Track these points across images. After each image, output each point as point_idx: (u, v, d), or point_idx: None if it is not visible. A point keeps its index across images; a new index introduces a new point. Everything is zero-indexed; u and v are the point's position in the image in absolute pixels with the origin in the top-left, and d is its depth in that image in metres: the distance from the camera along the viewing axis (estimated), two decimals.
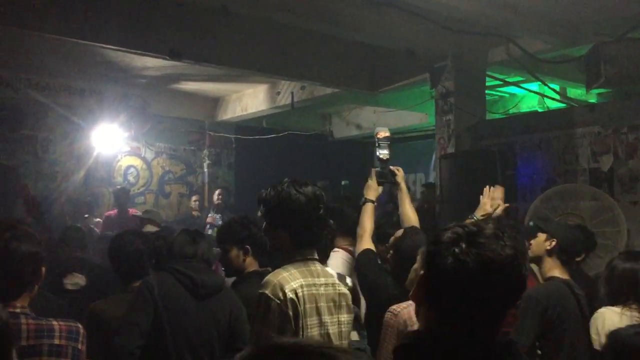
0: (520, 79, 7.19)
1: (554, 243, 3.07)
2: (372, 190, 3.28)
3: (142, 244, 3.27)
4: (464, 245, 1.33)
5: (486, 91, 6.96)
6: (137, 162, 9.82)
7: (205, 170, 10.53)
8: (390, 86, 7.49)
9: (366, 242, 3.09)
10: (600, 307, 3.32)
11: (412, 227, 3.22)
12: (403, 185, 3.40)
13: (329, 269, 2.49)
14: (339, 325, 2.35)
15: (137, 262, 3.20)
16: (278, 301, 2.13)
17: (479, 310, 1.36)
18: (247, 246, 3.21)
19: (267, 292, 2.15)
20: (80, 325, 2.05)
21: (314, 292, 2.25)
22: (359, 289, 3.08)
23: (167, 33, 5.78)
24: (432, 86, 6.55)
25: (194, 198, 9.44)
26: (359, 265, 3.12)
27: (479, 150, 6.21)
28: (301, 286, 2.20)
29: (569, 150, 5.63)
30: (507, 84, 7.33)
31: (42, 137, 8.63)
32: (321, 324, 2.26)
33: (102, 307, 3.09)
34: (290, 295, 2.15)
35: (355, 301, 3.11)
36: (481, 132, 6.37)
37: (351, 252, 3.59)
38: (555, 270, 3.05)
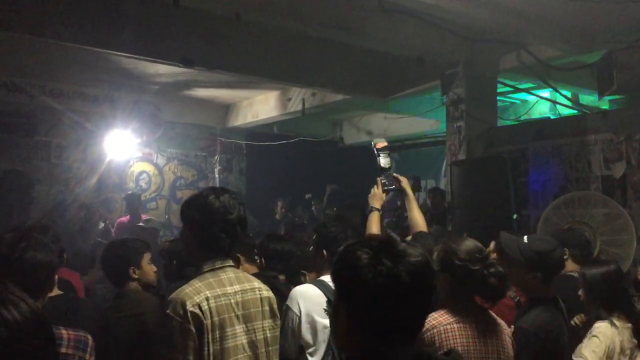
0: (532, 85, 7.16)
1: (539, 276, 2.77)
2: (378, 198, 3.35)
3: (126, 250, 3.29)
4: (388, 262, 1.32)
5: (497, 98, 6.94)
6: (149, 167, 9.89)
7: (217, 176, 10.57)
8: (401, 93, 7.49)
9: None
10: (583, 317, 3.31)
11: (421, 232, 3.25)
12: (409, 191, 3.43)
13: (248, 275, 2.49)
14: (263, 332, 2.33)
15: (123, 267, 3.22)
16: (179, 319, 2.12)
17: (412, 318, 1.37)
18: (237, 255, 3.21)
19: (168, 311, 2.15)
20: (89, 337, 2.07)
21: (224, 302, 2.22)
22: None
23: (180, 40, 5.83)
24: (443, 93, 6.55)
25: None
26: None
27: (490, 157, 6.18)
28: (206, 299, 2.17)
29: (581, 158, 5.59)
30: (518, 90, 7.31)
31: (55, 143, 8.72)
32: (238, 334, 2.24)
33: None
34: (192, 310, 2.13)
35: None
36: (492, 138, 6.35)
37: None
38: (539, 290, 2.79)
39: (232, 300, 2.25)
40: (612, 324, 3.08)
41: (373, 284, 1.31)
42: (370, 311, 1.34)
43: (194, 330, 2.12)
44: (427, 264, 1.37)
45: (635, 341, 3.11)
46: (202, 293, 2.19)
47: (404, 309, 1.33)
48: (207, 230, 2.29)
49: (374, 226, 3.23)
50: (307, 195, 8.80)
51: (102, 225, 7.87)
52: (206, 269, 2.29)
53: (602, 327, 3.08)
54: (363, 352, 1.36)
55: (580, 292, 3.29)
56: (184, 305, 2.13)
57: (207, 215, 2.28)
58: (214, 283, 2.25)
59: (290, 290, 3.10)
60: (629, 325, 3.12)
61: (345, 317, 1.38)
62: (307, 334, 2.92)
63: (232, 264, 2.38)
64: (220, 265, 2.31)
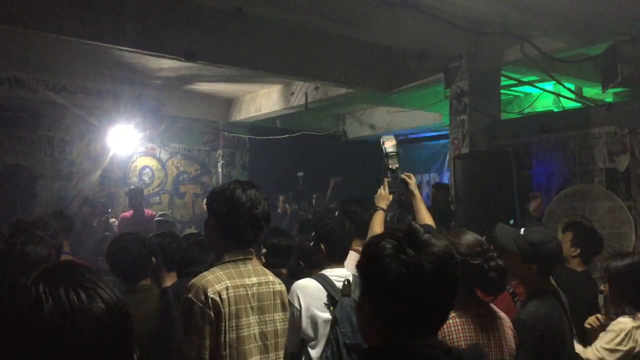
0: (536, 78, 7.13)
1: (534, 268, 2.72)
2: (384, 199, 3.36)
3: (141, 246, 3.28)
4: (411, 251, 1.33)
5: (501, 91, 6.92)
6: (152, 162, 9.90)
7: (220, 170, 10.58)
8: (404, 86, 7.47)
9: None
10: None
11: (424, 225, 3.23)
12: (417, 192, 3.42)
13: (264, 268, 2.54)
14: (274, 324, 2.39)
15: (139, 263, 3.21)
16: (200, 304, 2.18)
17: (434, 309, 1.37)
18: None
19: (190, 295, 2.21)
20: None
21: (242, 293, 2.29)
22: None
23: (182, 35, 5.82)
24: (447, 86, 6.52)
25: None
26: None
27: (494, 150, 6.17)
28: (226, 288, 2.24)
29: (585, 150, 5.58)
30: (522, 83, 7.28)
31: (59, 138, 8.74)
32: (251, 324, 2.30)
33: None
34: (213, 297, 2.19)
35: None
36: (496, 132, 6.33)
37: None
38: (540, 283, 2.75)
39: (249, 292, 2.32)
40: (636, 319, 2.91)
41: (396, 273, 1.31)
42: (392, 300, 1.34)
43: (213, 316, 2.19)
44: (451, 255, 1.37)
45: None
46: (223, 282, 2.25)
47: (427, 299, 1.33)
48: (233, 223, 2.34)
49: (377, 225, 3.22)
50: (299, 174, 8.79)
51: (104, 218, 7.88)
52: (227, 259, 2.34)
53: (622, 323, 2.93)
54: (385, 342, 1.36)
55: (602, 287, 3.18)
56: (205, 291, 2.20)
57: (234, 209, 2.33)
58: (234, 273, 2.31)
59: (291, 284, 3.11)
60: None
61: (368, 306, 1.38)
62: (307, 328, 2.92)
63: (252, 257, 2.43)
64: (242, 257, 2.37)
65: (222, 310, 2.20)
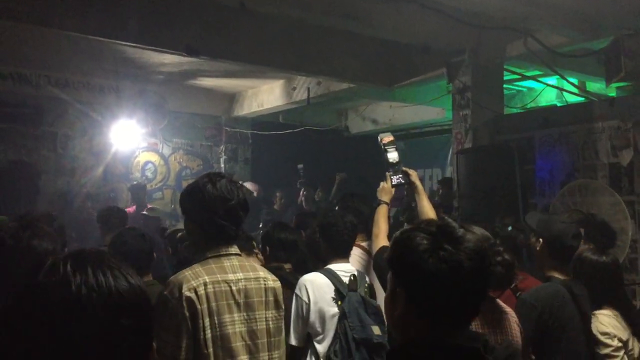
0: (539, 72, 7.11)
1: (541, 242, 2.96)
2: (387, 192, 3.35)
3: (142, 241, 3.28)
4: (449, 247, 1.34)
5: (504, 85, 6.90)
6: (154, 157, 9.89)
7: (222, 165, 10.57)
8: (407, 81, 7.45)
9: (382, 241, 3.13)
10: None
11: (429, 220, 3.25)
12: (419, 184, 3.43)
13: (254, 264, 2.47)
14: (265, 322, 2.29)
15: (140, 259, 3.21)
16: (174, 301, 2.10)
17: (471, 302, 1.39)
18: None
19: (165, 292, 2.14)
20: None
21: (224, 289, 2.19)
22: (377, 284, 3.10)
23: (184, 30, 5.81)
24: (449, 81, 6.51)
25: None
26: (377, 262, 3.14)
27: (497, 145, 6.16)
28: (204, 284, 2.15)
29: (589, 145, 5.56)
30: (525, 78, 7.26)
31: (61, 134, 8.73)
32: (236, 321, 2.21)
33: None
34: (187, 294, 2.11)
35: (373, 296, 3.13)
36: (499, 126, 6.32)
37: (363, 248, 3.61)
38: (552, 270, 2.92)
39: (234, 288, 2.23)
40: (594, 316, 3.00)
41: (435, 269, 1.33)
42: (431, 296, 1.36)
43: (187, 314, 2.10)
44: (484, 249, 1.40)
45: (629, 328, 3.06)
46: (200, 278, 2.17)
47: (465, 294, 1.35)
48: (209, 219, 2.26)
49: (382, 219, 3.23)
50: (299, 166, 8.80)
51: None
52: (209, 255, 2.27)
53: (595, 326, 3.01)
54: (421, 336, 1.38)
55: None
56: (180, 288, 2.13)
57: (207, 205, 2.24)
58: (215, 269, 2.23)
59: (297, 279, 3.11)
60: (617, 313, 3.05)
61: (403, 301, 1.39)
62: (315, 322, 2.92)
63: (237, 251, 2.35)
64: (225, 253, 2.28)
65: (199, 307, 2.12)
